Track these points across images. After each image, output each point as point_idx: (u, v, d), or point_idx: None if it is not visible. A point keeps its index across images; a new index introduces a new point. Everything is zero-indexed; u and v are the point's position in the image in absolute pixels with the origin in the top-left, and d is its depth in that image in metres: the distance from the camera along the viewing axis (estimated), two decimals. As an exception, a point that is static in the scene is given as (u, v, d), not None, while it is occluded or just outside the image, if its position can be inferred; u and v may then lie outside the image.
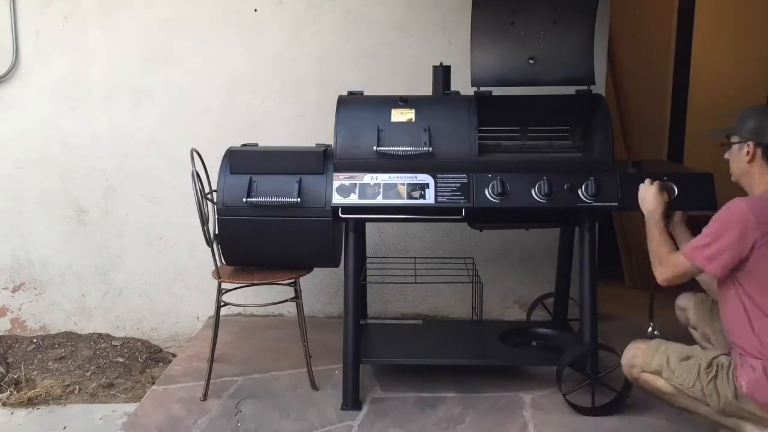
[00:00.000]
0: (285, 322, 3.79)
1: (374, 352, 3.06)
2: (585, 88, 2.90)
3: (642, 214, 2.60)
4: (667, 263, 2.39)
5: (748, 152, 2.30)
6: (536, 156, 2.95)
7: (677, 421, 2.69)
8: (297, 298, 2.98)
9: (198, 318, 3.87)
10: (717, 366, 2.31)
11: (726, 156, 2.41)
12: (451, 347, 3.14)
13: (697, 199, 2.73)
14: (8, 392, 3.38)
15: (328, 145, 2.95)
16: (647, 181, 2.64)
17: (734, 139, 2.36)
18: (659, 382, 2.39)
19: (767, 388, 2.17)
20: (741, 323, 2.25)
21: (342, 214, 2.76)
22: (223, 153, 2.93)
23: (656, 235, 2.49)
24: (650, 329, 2.71)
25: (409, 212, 2.85)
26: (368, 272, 3.30)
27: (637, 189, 2.66)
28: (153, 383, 3.25)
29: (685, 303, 2.75)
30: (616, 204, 2.73)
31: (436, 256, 3.65)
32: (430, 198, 2.73)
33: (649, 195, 2.58)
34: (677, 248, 2.44)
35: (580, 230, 2.89)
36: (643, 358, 2.42)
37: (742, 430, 2.30)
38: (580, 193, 2.72)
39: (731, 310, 2.29)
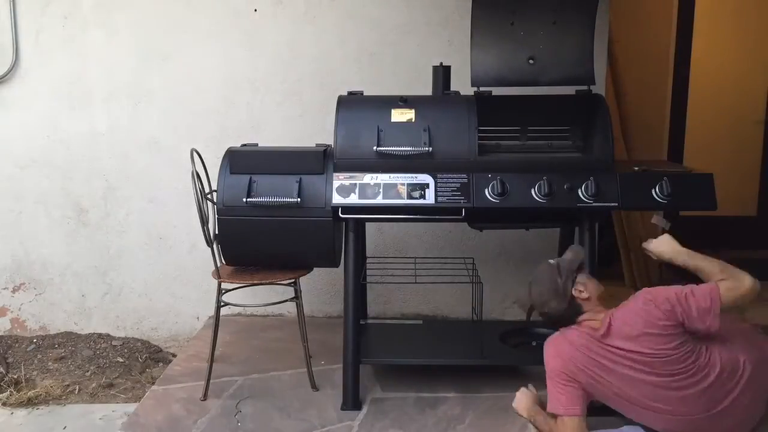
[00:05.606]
0: (285, 322, 3.79)
1: (374, 352, 3.06)
2: (585, 88, 2.90)
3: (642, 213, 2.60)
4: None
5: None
6: (536, 156, 2.95)
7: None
8: (297, 298, 2.98)
9: (198, 318, 3.88)
10: None
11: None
12: (451, 347, 3.13)
13: (697, 199, 2.74)
14: (8, 392, 3.38)
15: (328, 145, 2.95)
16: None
17: None
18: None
19: None
20: None
21: (342, 214, 2.76)
22: (223, 153, 2.93)
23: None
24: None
25: (409, 212, 2.85)
26: (368, 272, 3.30)
27: (638, 188, 2.66)
28: (153, 383, 3.25)
29: None
30: (616, 204, 2.73)
31: (436, 256, 3.65)
32: (430, 198, 2.73)
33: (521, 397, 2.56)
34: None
35: (580, 230, 2.89)
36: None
37: None
38: (580, 193, 2.72)
39: None
